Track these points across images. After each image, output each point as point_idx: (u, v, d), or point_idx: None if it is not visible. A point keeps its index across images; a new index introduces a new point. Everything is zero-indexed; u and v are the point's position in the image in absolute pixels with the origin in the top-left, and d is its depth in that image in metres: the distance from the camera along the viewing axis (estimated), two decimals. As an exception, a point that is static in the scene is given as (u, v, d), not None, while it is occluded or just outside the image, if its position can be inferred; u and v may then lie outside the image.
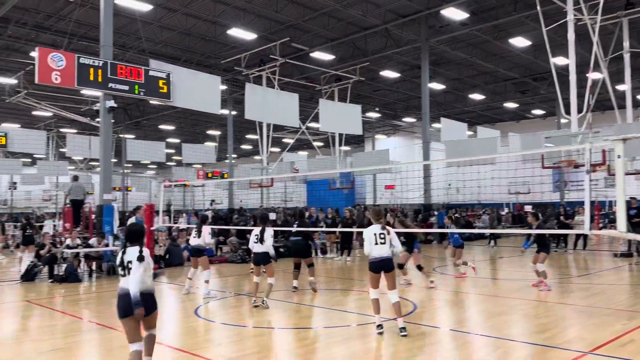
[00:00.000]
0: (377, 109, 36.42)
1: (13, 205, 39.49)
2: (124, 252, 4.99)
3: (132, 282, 4.80)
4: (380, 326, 7.07)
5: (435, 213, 24.51)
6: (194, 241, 10.30)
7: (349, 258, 16.41)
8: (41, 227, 22.80)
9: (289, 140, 31.28)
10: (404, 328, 6.91)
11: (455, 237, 12.44)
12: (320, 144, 30.74)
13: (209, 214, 29.61)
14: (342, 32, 22.84)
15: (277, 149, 37.08)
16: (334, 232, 16.91)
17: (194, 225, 10.81)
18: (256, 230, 9.23)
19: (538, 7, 14.89)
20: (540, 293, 9.99)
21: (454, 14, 19.93)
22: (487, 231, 21.59)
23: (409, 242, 10.89)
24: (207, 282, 10.12)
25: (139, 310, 4.77)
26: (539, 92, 31.68)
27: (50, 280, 12.34)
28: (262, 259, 9.10)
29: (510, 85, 31.96)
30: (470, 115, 38.70)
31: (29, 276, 12.44)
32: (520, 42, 22.96)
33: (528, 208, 23.30)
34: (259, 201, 41.95)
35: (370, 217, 7.52)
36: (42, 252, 12.86)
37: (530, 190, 31.13)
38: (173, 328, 8.02)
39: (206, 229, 10.28)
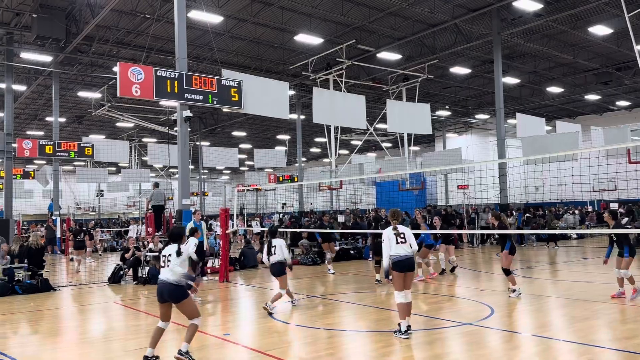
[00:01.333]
0: (447, 106, 35.58)
1: (100, 211, 42.29)
2: (164, 248, 6.23)
3: (173, 271, 5.90)
4: (406, 332, 6.93)
5: (514, 213, 23.55)
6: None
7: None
8: (126, 232, 24.26)
9: (357, 142, 31.32)
10: (409, 326, 7.02)
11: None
12: (389, 144, 30.45)
13: (276, 217, 30.25)
14: (409, 30, 22.54)
15: (345, 152, 37.21)
16: None
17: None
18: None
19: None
20: (628, 296, 9.32)
21: (527, 5, 19.08)
22: (564, 231, 20.48)
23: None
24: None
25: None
26: (623, 83, 29.67)
27: (134, 282, 13.08)
28: (277, 270, 9.22)
29: (591, 76, 30.15)
30: (548, 110, 36.89)
31: (115, 278, 13.26)
32: (600, 30, 21.62)
33: (614, 206, 21.84)
34: (329, 203, 42.30)
35: (389, 218, 7.56)
36: (127, 255, 13.65)
37: (617, 187, 29.18)
38: (249, 329, 8.25)
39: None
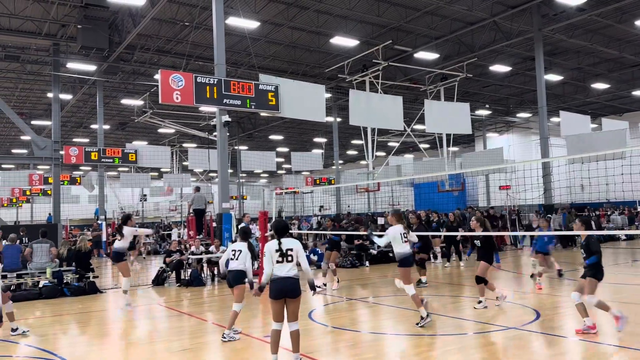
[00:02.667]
0: (487, 105, 34.87)
1: (144, 215, 43.40)
2: (280, 242, 5.75)
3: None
4: (423, 319, 7.61)
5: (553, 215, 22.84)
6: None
7: (447, 264, 15.79)
8: (169, 236, 24.80)
9: (394, 144, 31.04)
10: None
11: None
12: (427, 145, 30.09)
13: (314, 220, 30.27)
14: (447, 29, 22.22)
15: (382, 153, 36.97)
16: (439, 237, 16.39)
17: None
18: (235, 245, 7.71)
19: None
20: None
21: (570, -1, 18.52)
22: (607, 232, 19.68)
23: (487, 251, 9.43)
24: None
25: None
26: (674, 76, 28.38)
27: (177, 285, 13.35)
28: (233, 279, 7.51)
29: (638, 72, 29.00)
30: (594, 107, 35.65)
31: (159, 281, 13.57)
32: (649, 22, 20.77)
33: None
34: (366, 206, 42.11)
35: (393, 219, 8.32)
36: (168, 259, 13.94)
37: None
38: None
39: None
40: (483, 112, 35.75)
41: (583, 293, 6.96)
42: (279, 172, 50.50)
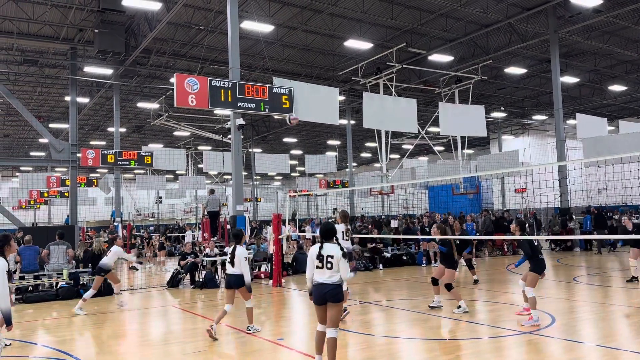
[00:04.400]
0: (502, 108, 34.60)
1: (159, 217, 43.79)
2: (321, 248, 5.71)
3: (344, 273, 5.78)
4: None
5: (574, 217, 22.55)
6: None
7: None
8: (183, 237, 24.98)
9: (408, 146, 30.92)
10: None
11: None
12: (441, 148, 29.92)
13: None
14: (461, 31, 22.12)
15: (396, 156, 36.84)
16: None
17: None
18: (229, 248, 8.14)
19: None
20: None
21: (586, 1, 18.29)
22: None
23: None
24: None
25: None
26: (695, 78, 27.90)
27: (192, 287, 13.45)
28: (234, 282, 7.79)
29: (657, 73, 28.54)
30: (611, 109, 35.18)
31: (173, 282, 13.68)
32: (667, 23, 20.46)
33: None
34: (380, 208, 42.01)
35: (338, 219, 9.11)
36: (182, 261, 14.05)
37: (689, 189, 27.37)
38: (302, 333, 8.29)
39: None
40: (498, 115, 35.46)
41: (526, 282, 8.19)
42: (293, 174, 50.63)
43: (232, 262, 7.78)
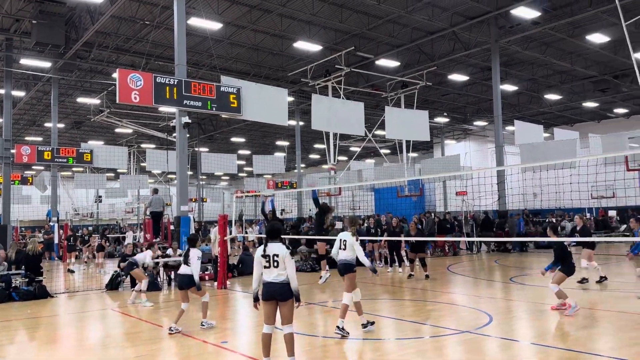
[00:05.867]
0: (445, 113, 35.68)
1: (99, 217, 42.16)
2: (266, 247, 5.80)
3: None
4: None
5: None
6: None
7: (390, 269, 15.82)
8: (123, 239, 24.19)
9: (355, 149, 31.33)
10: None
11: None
12: (388, 151, 30.48)
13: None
14: (408, 38, 22.64)
15: (344, 158, 37.18)
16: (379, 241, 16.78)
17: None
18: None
19: (617, 1, 14.01)
20: (628, 304, 9.31)
21: (525, 12, 19.19)
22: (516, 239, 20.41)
23: None
24: None
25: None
26: (621, 90, 29.78)
27: (132, 289, 13.03)
28: (186, 283, 8.26)
29: (588, 84, 30.28)
30: (547, 117, 37.00)
31: (112, 285, 13.22)
32: (598, 38, 21.75)
33: (612, 213, 21.86)
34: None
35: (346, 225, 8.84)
36: (122, 263, 13.58)
37: (615, 194, 29.21)
38: (247, 336, 8.22)
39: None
40: (441, 120, 36.56)
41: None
42: (241, 174, 50.11)
43: (186, 262, 8.26)
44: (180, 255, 13.55)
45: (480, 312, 9.18)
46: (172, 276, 14.00)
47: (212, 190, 51.43)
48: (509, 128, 31.61)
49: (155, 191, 16.49)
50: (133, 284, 13.15)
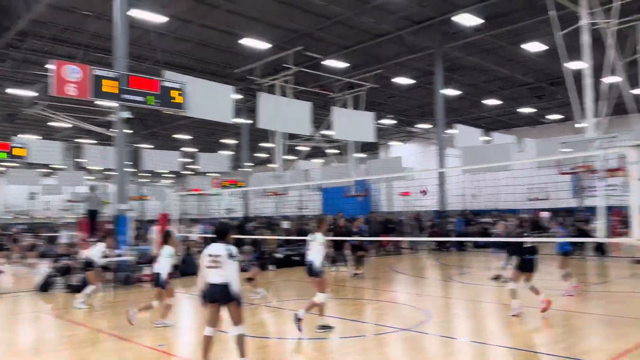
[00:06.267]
0: (391, 115, 36.31)
1: (33, 215, 40.13)
2: (211, 247, 5.77)
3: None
4: (322, 327, 7.69)
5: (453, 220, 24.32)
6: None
7: (345, 269, 16.05)
8: (57, 237, 23.06)
9: (303, 148, 31.40)
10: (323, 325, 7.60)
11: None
12: (336, 151, 30.71)
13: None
14: (356, 39, 22.84)
15: (292, 157, 37.16)
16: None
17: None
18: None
19: (552, 12, 14.73)
20: (558, 301, 9.79)
21: (467, 20, 19.80)
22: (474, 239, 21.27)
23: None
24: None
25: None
26: (556, 97, 31.26)
27: (66, 291, 12.45)
28: (155, 279, 8.54)
29: (526, 90, 31.62)
30: (486, 121, 38.35)
31: (45, 286, 12.58)
32: (535, 47, 22.72)
33: (545, 214, 22.96)
34: (275, 209, 42.10)
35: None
36: (56, 263, 12.97)
37: (549, 197, 30.69)
38: (185, 338, 8.03)
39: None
40: (387, 122, 37.17)
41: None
42: (185, 172, 48.94)
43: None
44: (118, 255, 13.11)
45: (420, 310, 9.38)
46: (108, 277, 13.47)
47: (154, 188, 50.03)
48: (451, 131, 32.61)
49: (93, 188, 15.86)
50: (67, 285, 12.57)
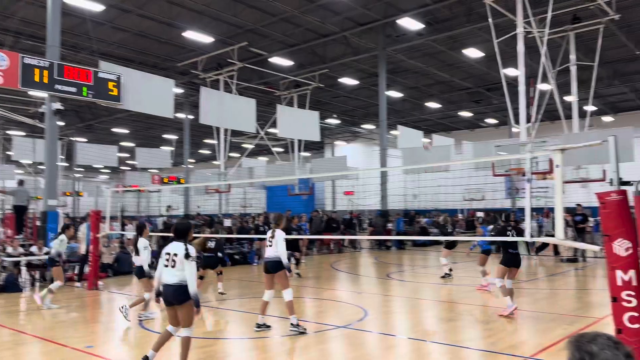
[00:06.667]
0: (335, 115, 36.58)
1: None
2: (169, 246, 5.61)
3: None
4: (259, 326, 7.57)
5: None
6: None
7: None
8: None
9: (248, 146, 31.07)
10: (293, 325, 7.37)
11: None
12: (280, 149, 30.57)
13: (160, 220, 28.99)
14: (301, 38, 22.83)
15: (236, 154, 36.68)
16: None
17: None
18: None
19: (489, 20, 15.30)
20: (487, 298, 10.17)
21: (410, 24, 20.24)
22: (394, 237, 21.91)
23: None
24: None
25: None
26: (492, 102, 32.56)
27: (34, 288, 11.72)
28: (137, 272, 8.59)
29: (465, 95, 32.71)
30: (427, 123, 39.39)
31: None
32: (473, 53, 23.55)
33: (480, 214, 23.85)
34: (217, 207, 41.49)
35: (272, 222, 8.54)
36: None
37: (484, 197, 31.91)
38: (116, 340, 7.73)
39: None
40: (332, 122, 37.45)
41: None
42: (123, 168, 47.25)
43: (136, 252, 8.45)
44: (46, 253, 12.46)
45: (359, 307, 9.48)
46: (37, 276, 12.81)
47: (89, 184, 48.05)
48: (394, 132, 33.25)
49: (21, 183, 15.00)
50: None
